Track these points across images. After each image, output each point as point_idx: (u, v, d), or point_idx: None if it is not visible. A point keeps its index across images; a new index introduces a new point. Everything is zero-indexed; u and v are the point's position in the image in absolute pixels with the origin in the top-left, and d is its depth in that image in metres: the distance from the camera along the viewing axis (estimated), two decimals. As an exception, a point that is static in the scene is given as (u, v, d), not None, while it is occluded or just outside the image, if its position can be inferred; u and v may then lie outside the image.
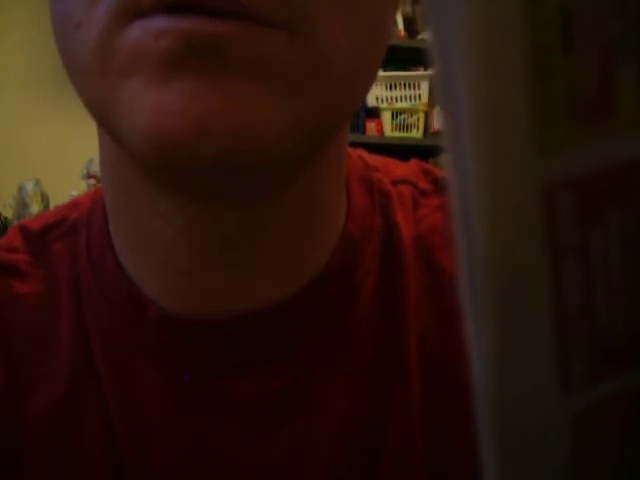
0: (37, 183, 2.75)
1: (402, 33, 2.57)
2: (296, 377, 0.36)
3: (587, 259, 0.14)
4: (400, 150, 2.18)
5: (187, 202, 0.31)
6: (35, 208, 2.68)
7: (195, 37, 0.24)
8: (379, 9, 0.30)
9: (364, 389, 0.36)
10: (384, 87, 2.56)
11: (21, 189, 2.73)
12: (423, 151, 2.20)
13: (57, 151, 3.20)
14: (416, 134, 2.56)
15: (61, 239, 0.39)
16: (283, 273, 0.35)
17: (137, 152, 0.26)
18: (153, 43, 0.25)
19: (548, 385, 0.14)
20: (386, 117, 2.56)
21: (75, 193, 2.29)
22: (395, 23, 2.52)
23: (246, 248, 0.33)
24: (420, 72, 2.56)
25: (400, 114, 2.56)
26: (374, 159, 0.42)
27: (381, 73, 2.48)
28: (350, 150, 0.39)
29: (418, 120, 2.55)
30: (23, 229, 0.41)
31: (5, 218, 2.73)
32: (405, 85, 2.58)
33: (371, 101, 2.56)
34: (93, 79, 0.27)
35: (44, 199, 2.76)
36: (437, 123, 2.53)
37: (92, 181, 2.68)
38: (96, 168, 2.67)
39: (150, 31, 0.25)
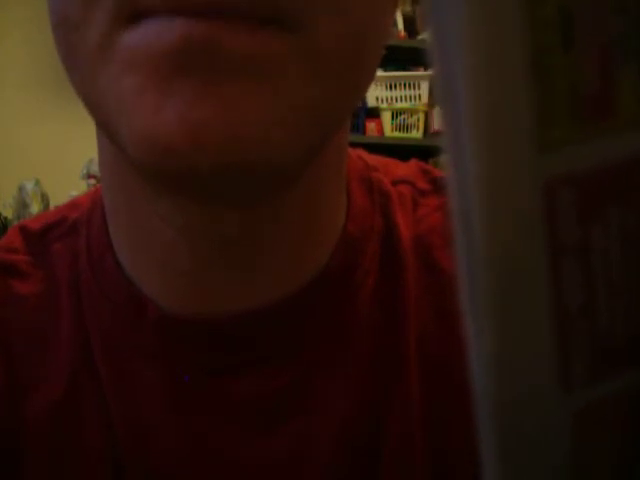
0: (37, 183, 2.75)
1: (402, 33, 2.57)
2: (296, 377, 0.36)
3: (587, 258, 0.14)
4: (400, 150, 2.18)
5: (186, 203, 0.31)
6: (35, 208, 2.68)
7: (193, 39, 0.24)
8: (376, 9, 0.29)
9: (364, 389, 0.36)
10: (384, 87, 2.56)
11: (21, 189, 2.73)
12: (423, 151, 2.20)
13: (57, 151, 3.20)
14: (416, 134, 2.56)
15: (61, 239, 0.39)
16: (283, 273, 0.35)
17: (134, 157, 0.26)
18: (152, 44, 0.25)
19: (548, 385, 0.14)
20: (386, 117, 2.56)
21: (75, 193, 2.29)
22: (395, 23, 2.52)
23: (246, 248, 0.33)
24: (420, 72, 2.56)
25: (400, 114, 2.56)
26: (374, 159, 0.42)
27: (381, 73, 2.48)
28: (350, 150, 0.39)
29: (418, 120, 2.55)
30: (23, 229, 0.41)
31: (5, 218, 2.74)
32: (405, 85, 2.58)
33: (371, 101, 2.56)
34: (91, 81, 0.27)
35: (44, 199, 2.76)
36: (437, 123, 2.53)
37: (92, 181, 2.68)
38: (96, 168, 2.67)
39: (149, 32, 0.25)
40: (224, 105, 0.25)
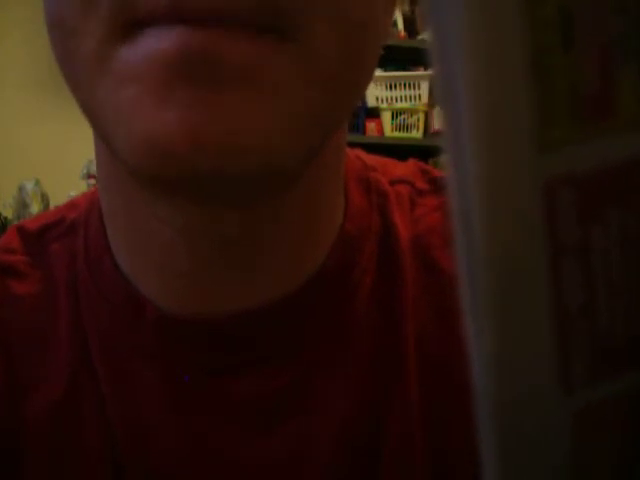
0: (37, 183, 2.75)
1: (402, 33, 2.57)
2: (296, 377, 0.36)
3: (587, 258, 0.14)
4: (400, 150, 2.18)
5: (185, 204, 0.31)
6: (35, 208, 2.68)
7: (193, 48, 0.24)
8: (374, 9, 0.29)
9: (363, 389, 0.36)
10: (384, 87, 2.56)
11: (21, 189, 2.73)
12: (423, 151, 2.20)
13: (57, 151, 3.20)
14: (416, 134, 2.56)
15: (59, 239, 0.39)
16: (282, 273, 0.35)
17: (131, 164, 0.26)
18: (152, 53, 0.25)
19: (548, 385, 0.14)
20: (386, 117, 2.56)
21: (74, 193, 2.29)
22: (395, 23, 2.52)
23: (245, 248, 0.33)
24: (420, 72, 2.56)
25: (400, 114, 2.56)
26: (372, 159, 0.42)
27: (381, 73, 2.48)
28: (348, 150, 0.39)
29: (418, 120, 2.55)
30: (21, 230, 0.41)
31: (5, 218, 2.73)
32: (405, 85, 2.58)
33: (371, 101, 2.56)
34: (88, 90, 0.27)
35: (44, 199, 2.76)
36: (437, 123, 2.53)
37: (92, 181, 2.68)
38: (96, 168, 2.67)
39: (149, 41, 0.25)
40: (224, 112, 0.25)
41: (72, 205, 0.41)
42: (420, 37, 2.54)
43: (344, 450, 0.36)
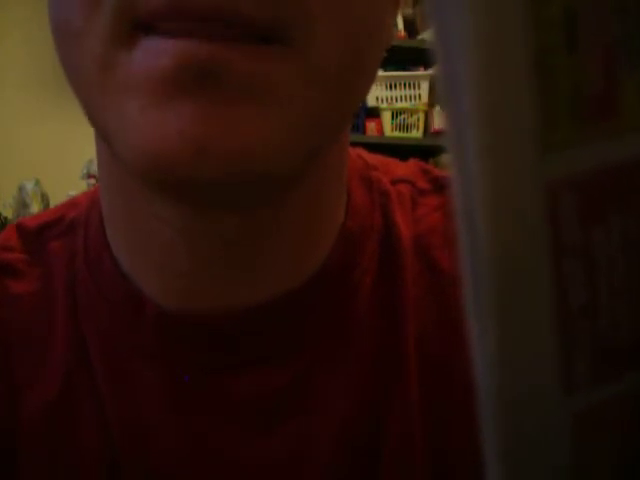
0: (37, 183, 2.75)
1: (402, 33, 2.57)
2: (296, 376, 0.36)
3: (590, 259, 0.14)
4: (400, 150, 2.18)
5: (182, 209, 0.31)
6: (35, 208, 2.68)
7: (193, 60, 0.24)
8: (377, 12, 0.29)
9: (364, 388, 0.36)
10: (384, 87, 2.56)
11: (21, 189, 2.73)
12: (423, 151, 2.20)
13: (57, 151, 3.20)
14: (416, 134, 2.56)
15: (59, 238, 0.39)
16: (283, 272, 0.35)
17: (133, 169, 0.27)
18: (153, 63, 0.25)
19: (550, 385, 0.14)
20: (386, 117, 2.56)
21: (74, 193, 2.29)
22: (395, 23, 2.52)
23: (246, 248, 0.33)
24: (420, 72, 2.56)
25: (400, 114, 2.56)
26: (373, 158, 0.42)
27: (381, 73, 2.48)
28: (350, 149, 0.39)
29: (418, 120, 2.55)
30: (19, 227, 0.40)
31: (5, 218, 2.73)
32: (405, 85, 2.58)
33: (371, 101, 2.56)
34: (92, 89, 0.27)
35: (44, 199, 2.76)
36: (437, 123, 2.53)
37: (92, 181, 2.68)
38: (96, 168, 2.67)
39: (150, 51, 0.25)
40: (226, 123, 0.25)
41: (72, 204, 0.41)
42: (420, 37, 2.54)
43: (344, 450, 0.36)
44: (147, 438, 0.36)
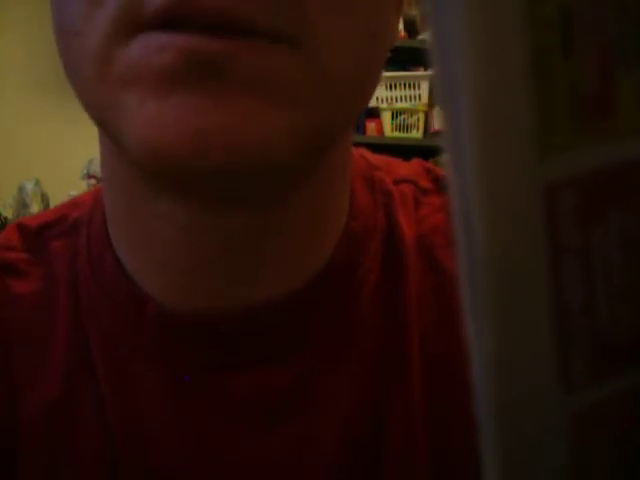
0: (37, 183, 2.75)
1: (402, 33, 2.57)
2: (299, 375, 0.36)
3: (588, 260, 0.14)
4: (400, 150, 2.18)
5: (188, 205, 0.31)
6: (35, 208, 2.68)
7: (193, 54, 0.24)
8: (380, 14, 0.30)
9: (366, 388, 0.36)
10: (384, 87, 2.56)
11: (21, 189, 2.73)
12: (423, 151, 2.19)
13: (57, 151, 3.20)
14: (416, 134, 2.56)
15: (61, 237, 0.39)
16: (286, 271, 0.35)
17: (136, 161, 0.27)
18: (152, 59, 0.25)
19: (548, 385, 0.14)
20: (386, 117, 2.56)
21: (74, 193, 2.29)
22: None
23: (250, 248, 0.33)
24: (420, 72, 2.55)
25: (400, 114, 2.56)
26: (376, 158, 0.42)
27: (381, 73, 2.47)
28: (352, 149, 0.39)
29: (418, 120, 2.55)
30: (20, 227, 0.40)
31: (5, 218, 2.73)
32: (405, 85, 2.57)
33: (371, 101, 2.55)
34: (93, 86, 0.27)
35: (44, 199, 2.76)
36: (437, 123, 2.53)
37: (92, 181, 2.68)
38: (96, 168, 2.67)
39: (150, 47, 0.25)
40: (229, 115, 0.25)
41: (75, 204, 0.41)
42: (420, 37, 2.54)
43: (346, 450, 0.36)
44: (148, 438, 0.36)
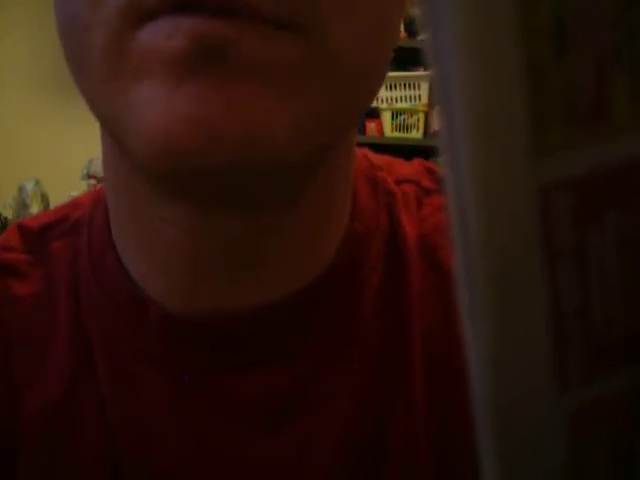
0: (37, 183, 2.75)
1: (402, 33, 2.57)
2: (302, 375, 0.36)
3: (583, 261, 0.14)
4: (400, 151, 2.18)
5: (191, 208, 0.31)
6: (35, 209, 2.69)
7: (201, 39, 0.24)
8: (385, 10, 0.30)
9: (368, 388, 0.36)
10: (384, 87, 2.56)
11: (21, 189, 2.73)
12: (423, 152, 2.19)
13: (57, 151, 3.20)
14: (416, 135, 2.56)
15: (62, 238, 0.39)
16: (289, 272, 0.35)
17: (141, 159, 0.26)
18: (162, 45, 0.25)
19: (544, 386, 0.14)
20: (386, 117, 2.56)
21: (75, 193, 2.29)
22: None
23: (253, 249, 0.33)
24: (420, 72, 2.55)
25: (400, 114, 2.56)
26: (378, 158, 0.42)
27: (381, 73, 2.47)
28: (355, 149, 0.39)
29: (418, 121, 2.55)
30: (21, 227, 0.40)
31: (5, 218, 2.74)
32: (405, 85, 2.58)
33: (371, 101, 2.55)
34: (101, 83, 0.27)
35: (44, 199, 2.76)
36: (437, 124, 2.53)
37: (92, 181, 2.68)
38: (96, 168, 2.67)
39: (160, 33, 0.25)
40: (233, 102, 0.25)
41: (75, 204, 0.41)
42: (420, 37, 2.54)
43: (348, 450, 0.36)
44: (149, 439, 0.36)
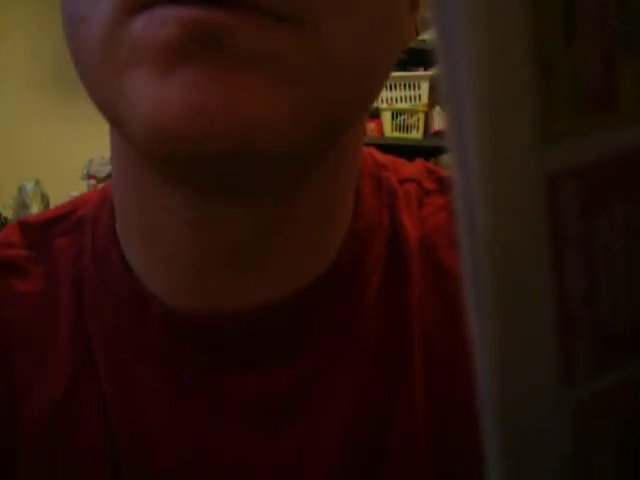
0: (37, 183, 2.75)
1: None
2: (302, 375, 0.35)
3: (590, 248, 0.14)
4: (400, 151, 2.18)
5: (190, 194, 0.31)
6: (35, 209, 2.68)
7: (197, 26, 0.24)
8: (386, 10, 0.29)
9: (368, 388, 0.36)
10: (384, 87, 2.56)
11: (21, 189, 2.73)
12: (423, 152, 2.19)
13: (57, 151, 3.20)
14: (416, 135, 2.56)
15: (66, 235, 0.39)
16: (291, 271, 0.35)
17: (143, 147, 0.27)
18: (156, 32, 0.25)
19: (550, 385, 0.14)
20: (386, 117, 2.56)
21: (75, 193, 2.29)
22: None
23: (254, 246, 0.33)
24: (420, 72, 2.55)
25: (400, 115, 2.56)
26: (383, 157, 0.42)
27: (381, 73, 2.47)
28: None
29: (418, 121, 2.55)
30: (21, 224, 0.40)
31: (5, 218, 2.74)
32: (405, 85, 2.57)
33: (371, 101, 2.55)
34: (99, 73, 0.27)
35: (44, 199, 2.76)
36: (437, 124, 2.53)
37: (92, 181, 2.68)
38: (96, 168, 2.67)
39: (154, 19, 0.25)
40: (228, 89, 0.25)
41: (81, 201, 0.41)
42: (420, 37, 2.54)
43: (348, 450, 0.36)
44: (150, 439, 0.36)
